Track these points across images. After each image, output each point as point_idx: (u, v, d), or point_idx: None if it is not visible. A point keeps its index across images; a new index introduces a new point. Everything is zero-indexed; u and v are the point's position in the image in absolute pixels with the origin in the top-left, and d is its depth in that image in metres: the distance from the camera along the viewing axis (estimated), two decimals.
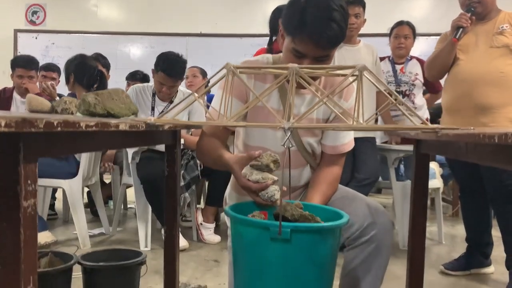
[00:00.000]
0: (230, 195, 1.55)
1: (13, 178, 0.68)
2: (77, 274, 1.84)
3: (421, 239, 1.40)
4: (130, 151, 2.70)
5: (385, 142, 3.12)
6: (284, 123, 0.99)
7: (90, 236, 2.88)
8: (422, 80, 3.10)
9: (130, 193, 3.69)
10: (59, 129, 0.67)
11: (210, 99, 3.31)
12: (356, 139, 2.78)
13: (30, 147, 0.70)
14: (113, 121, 0.86)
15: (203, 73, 3.93)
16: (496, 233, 2.44)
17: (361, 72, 0.97)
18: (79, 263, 1.74)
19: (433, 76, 2.38)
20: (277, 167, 1.13)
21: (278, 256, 0.96)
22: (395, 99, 0.98)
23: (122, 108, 1.33)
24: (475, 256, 2.44)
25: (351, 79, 1.14)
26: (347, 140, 1.45)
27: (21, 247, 0.68)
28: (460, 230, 3.40)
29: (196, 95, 1.03)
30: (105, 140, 0.96)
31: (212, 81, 1.06)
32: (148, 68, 3.55)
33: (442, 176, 3.42)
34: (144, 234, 2.75)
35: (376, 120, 3.20)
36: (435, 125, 0.95)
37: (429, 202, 4.47)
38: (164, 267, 1.46)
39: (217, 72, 1.03)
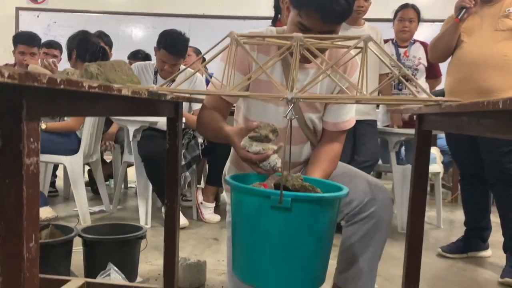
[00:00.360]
0: (229, 169, 1.55)
1: (16, 135, 0.68)
2: (77, 248, 1.86)
3: (419, 219, 1.39)
4: (131, 129, 2.70)
5: (387, 126, 3.12)
6: (287, 93, 0.99)
7: (91, 213, 2.89)
8: (426, 64, 3.08)
9: (131, 172, 3.70)
10: (62, 86, 0.67)
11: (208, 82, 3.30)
12: (356, 122, 2.79)
13: (32, 105, 0.70)
14: (116, 85, 0.85)
15: (197, 52, 3.90)
16: (494, 219, 2.45)
17: (366, 43, 0.97)
18: (79, 235, 1.75)
19: (437, 57, 2.37)
20: (276, 136, 1.12)
21: (278, 225, 0.96)
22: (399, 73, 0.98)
23: (124, 80, 1.32)
24: (472, 240, 2.45)
25: (353, 52, 1.14)
26: (348, 117, 1.44)
27: (24, 204, 0.69)
28: (459, 215, 3.42)
29: (190, 70, 1.02)
30: (107, 106, 0.96)
31: (215, 51, 1.06)
32: (150, 48, 3.53)
33: (443, 162, 3.42)
34: (144, 212, 2.77)
35: (378, 106, 3.19)
36: (439, 98, 0.95)
37: (428, 188, 4.49)
38: (164, 240, 1.46)
39: (220, 41, 1.03)
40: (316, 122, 1.45)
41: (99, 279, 1.55)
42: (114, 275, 1.58)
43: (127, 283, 1.56)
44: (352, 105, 1.44)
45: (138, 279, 1.85)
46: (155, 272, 1.98)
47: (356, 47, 1.02)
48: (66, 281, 1.49)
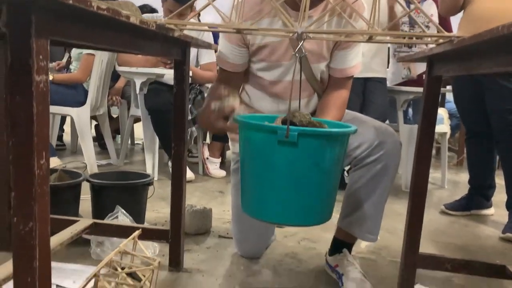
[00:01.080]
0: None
1: (25, 51, 0.68)
2: (85, 196, 1.89)
3: (424, 174, 1.36)
4: (138, 82, 2.70)
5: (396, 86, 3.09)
6: (297, 27, 0.97)
7: (98, 166, 2.93)
8: (437, 21, 3.02)
9: (137, 130, 3.72)
10: (70, 1, 0.66)
11: (215, 36, 3.26)
12: (366, 80, 2.78)
13: (41, 22, 0.69)
14: (124, 12, 0.84)
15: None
16: (499, 181, 2.46)
17: None
18: (87, 180, 1.78)
19: (446, 9, 2.30)
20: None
21: (285, 160, 0.96)
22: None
23: None
24: (476, 198, 2.47)
25: None
26: (354, 63, 1.43)
27: (34, 120, 0.69)
28: (463, 177, 3.43)
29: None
30: (114, 37, 0.95)
31: None
32: (156, 4, 3.47)
33: (450, 125, 3.40)
34: (151, 165, 2.79)
35: (388, 63, 3.15)
36: (451, 33, 0.93)
37: (434, 151, 4.49)
38: (172, 184, 1.47)
39: None
40: (324, 71, 1.44)
41: (107, 221, 1.58)
42: (122, 217, 1.61)
43: (134, 224, 1.59)
44: (358, 51, 1.43)
45: (145, 224, 1.88)
46: (162, 219, 2.02)
47: None
48: (75, 222, 1.52)
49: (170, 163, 2.85)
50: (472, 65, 0.99)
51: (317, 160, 0.97)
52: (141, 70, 2.68)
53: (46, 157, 0.73)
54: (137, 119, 3.16)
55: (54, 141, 3.24)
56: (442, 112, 3.19)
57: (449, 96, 4.26)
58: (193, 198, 2.41)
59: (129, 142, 3.86)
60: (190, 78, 2.62)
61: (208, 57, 2.91)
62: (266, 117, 1.17)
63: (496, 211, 2.50)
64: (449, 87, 3.15)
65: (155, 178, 2.77)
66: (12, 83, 0.70)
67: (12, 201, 0.72)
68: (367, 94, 2.76)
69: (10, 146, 0.71)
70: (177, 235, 1.48)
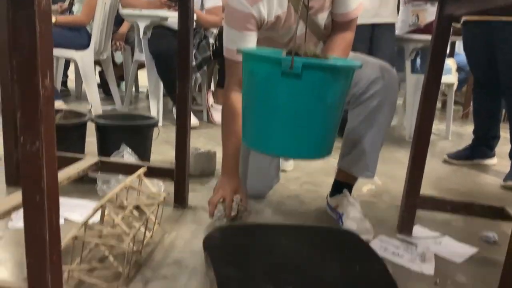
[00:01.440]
0: None
1: None
2: (90, 138, 1.90)
3: (429, 117, 1.35)
4: (141, 25, 2.65)
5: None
6: None
7: (103, 111, 2.93)
8: None
9: (142, 77, 3.70)
10: None
11: None
12: (374, 26, 2.71)
13: None
14: None
15: None
16: (503, 134, 2.45)
17: None
18: (92, 120, 1.78)
19: None
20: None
21: (288, 92, 0.95)
22: None
23: None
24: (480, 148, 2.47)
25: None
26: (356, 4, 1.40)
27: (37, 39, 0.69)
28: (468, 129, 3.43)
29: None
30: None
31: None
32: None
33: (457, 78, 3.36)
34: (155, 110, 2.80)
35: (398, 11, 3.07)
36: None
37: (440, 104, 4.46)
38: (177, 124, 1.48)
39: None
40: (327, 18, 1.42)
41: (113, 158, 1.60)
42: (127, 156, 1.62)
43: (140, 162, 1.61)
44: None
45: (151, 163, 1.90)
46: (167, 162, 2.04)
47: None
48: (81, 159, 1.54)
49: (174, 109, 2.85)
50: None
51: (321, 93, 0.96)
52: (145, 12, 2.62)
53: (50, 77, 0.73)
54: (141, 65, 3.13)
55: (58, 86, 3.23)
56: (450, 63, 3.14)
57: (458, 49, 4.18)
58: (198, 144, 2.42)
59: (134, 89, 3.85)
60: (194, 23, 2.58)
61: (213, 1, 2.85)
62: (270, 52, 1.15)
63: (499, 161, 2.51)
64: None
65: (160, 124, 2.78)
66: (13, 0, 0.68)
67: (18, 121, 0.72)
68: (374, 41, 2.71)
69: (15, 65, 0.70)
70: (182, 172, 1.50)
